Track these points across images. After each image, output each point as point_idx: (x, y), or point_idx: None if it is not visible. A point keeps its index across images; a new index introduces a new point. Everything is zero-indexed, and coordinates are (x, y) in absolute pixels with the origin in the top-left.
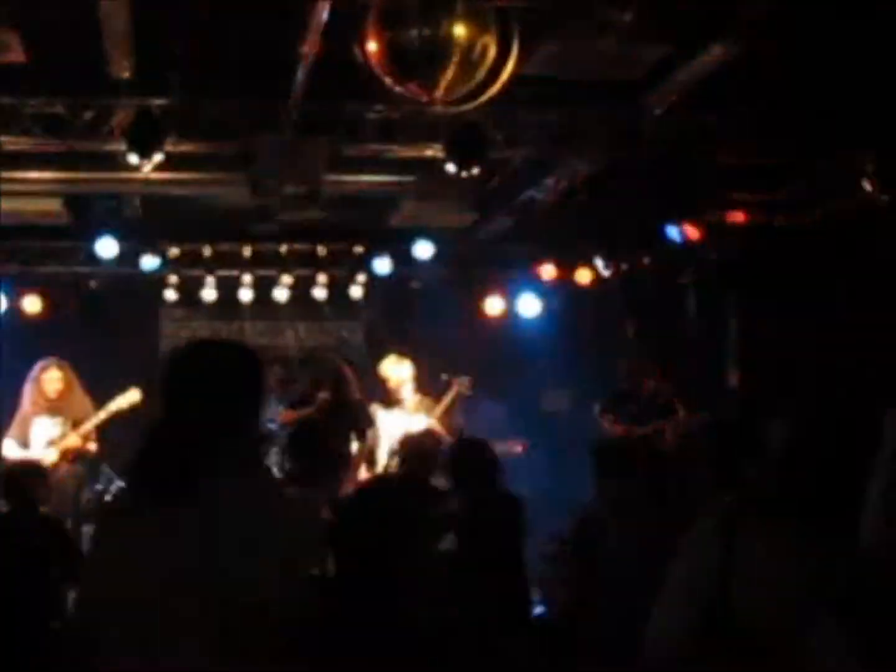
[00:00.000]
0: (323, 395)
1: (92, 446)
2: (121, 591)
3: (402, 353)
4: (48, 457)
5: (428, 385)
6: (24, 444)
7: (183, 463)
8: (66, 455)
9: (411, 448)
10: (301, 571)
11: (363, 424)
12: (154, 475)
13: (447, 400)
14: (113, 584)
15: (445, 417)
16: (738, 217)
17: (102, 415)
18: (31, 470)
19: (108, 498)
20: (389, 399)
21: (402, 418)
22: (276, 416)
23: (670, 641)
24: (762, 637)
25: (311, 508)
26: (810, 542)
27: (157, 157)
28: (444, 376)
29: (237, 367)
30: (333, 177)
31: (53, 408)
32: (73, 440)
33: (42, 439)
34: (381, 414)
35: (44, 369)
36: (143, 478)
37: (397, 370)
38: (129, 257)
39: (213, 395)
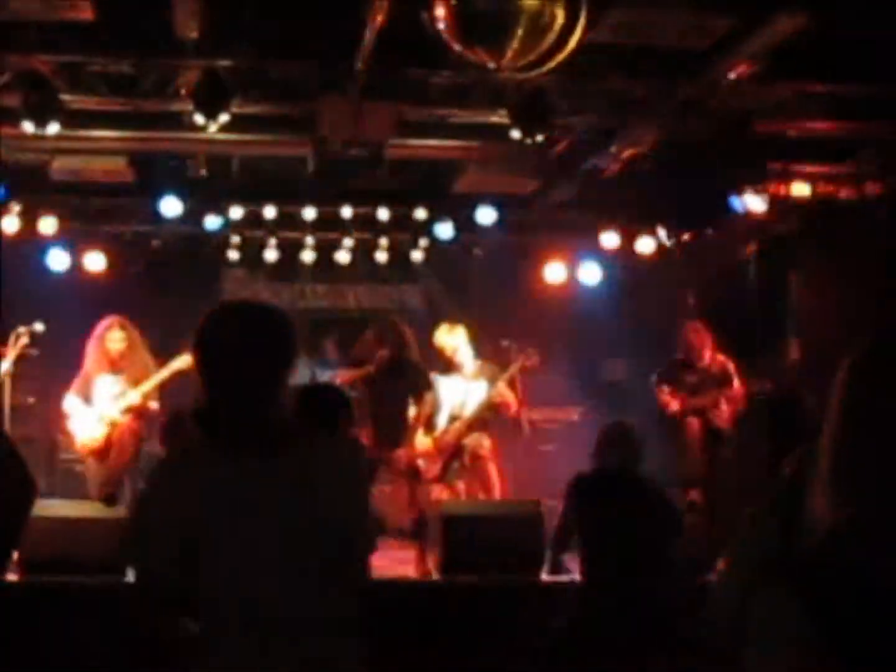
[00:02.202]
0: (382, 353)
1: (153, 405)
2: (230, 533)
3: (455, 322)
4: (109, 414)
5: (488, 352)
6: (87, 400)
7: (261, 417)
8: (127, 412)
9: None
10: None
11: (421, 387)
12: (243, 428)
13: (513, 370)
14: (221, 527)
15: (510, 387)
16: (802, 190)
17: (164, 374)
18: None
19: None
20: (446, 366)
21: (461, 384)
22: (334, 379)
23: (731, 603)
24: None
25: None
26: None
27: (223, 118)
28: (504, 343)
29: (289, 328)
30: (397, 141)
31: (115, 366)
32: (134, 398)
33: (104, 397)
34: (439, 380)
35: (107, 328)
36: (230, 432)
37: (450, 338)
38: (192, 217)
39: (273, 355)
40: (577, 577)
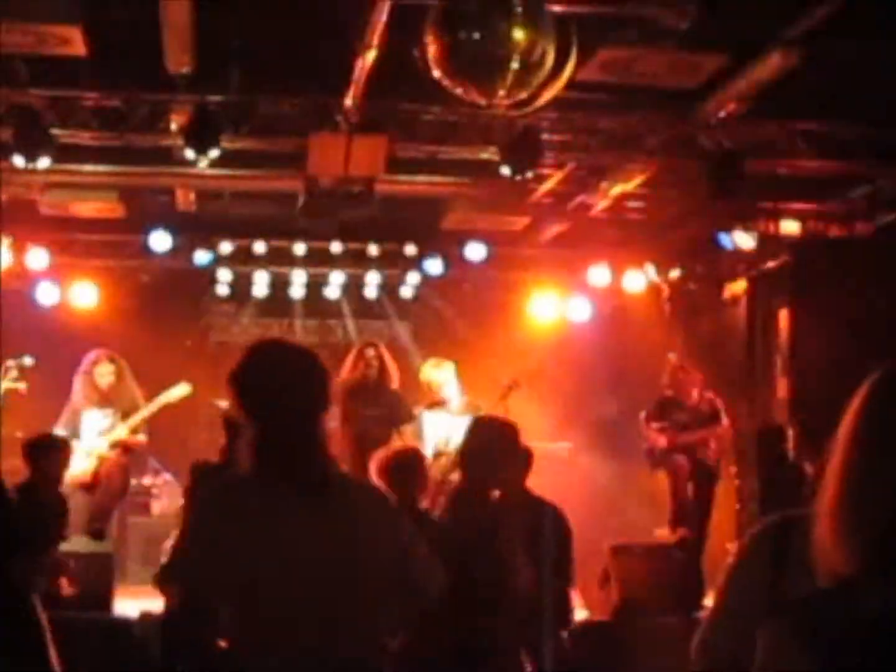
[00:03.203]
0: (363, 371)
1: (141, 438)
2: (272, 572)
3: (443, 357)
4: (97, 448)
5: (475, 387)
6: (74, 434)
7: (312, 457)
8: (115, 447)
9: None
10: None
11: (402, 418)
12: (294, 468)
13: (496, 400)
14: (264, 566)
15: None
16: (791, 227)
17: (152, 407)
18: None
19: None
20: (432, 402)
21: (447, 420)
22: None
23: (719, 652)
24: None
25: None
26: None
27: (214, 154)
28: (497, 380)
29: (326, 369)
30: (387, 177)
31: (104, 400)
32: (123, 432)
33: (92, 431)
34: (426, 415)
35: (95, 362)
36: (282, 470)
37: (437, 373)
38: (181, 252)
39: (317, 395)
40: None
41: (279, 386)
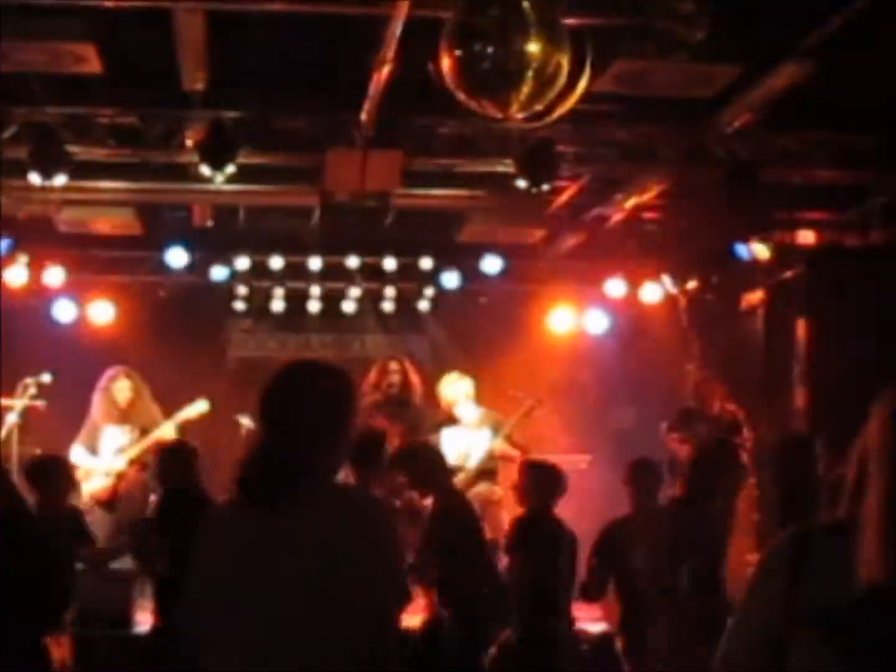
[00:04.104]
0: (383, 388)
1: None
2: (234, 593)
3: (461, 371)
4: (116, 465)
5: (494, 401)
6: (93, 451)
7: (291, 478)
8: (134, 463)
9: None
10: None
11: (425, 432)
12: (265, 489)
13: (516, 417)
14: (227, 587)
15: (514, 434)
16: (808, 237)
17: (171, 424)
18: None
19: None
20: (449, 417)
21: (464, 434)
22: None
23: (740, 666)
24: None
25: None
26: None
27: (229, 169)
28: (510, 392)
29: (345, 393)
30: (403, 191)
31: (123, 416)
32: (142, 449)
33: (111, 447)
34: (443, 432)
35: (113, 378)
36: (257, 490)
37: (455, 388)
38: (198, 268)
39: (322, 418)
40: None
41: (271, 404)
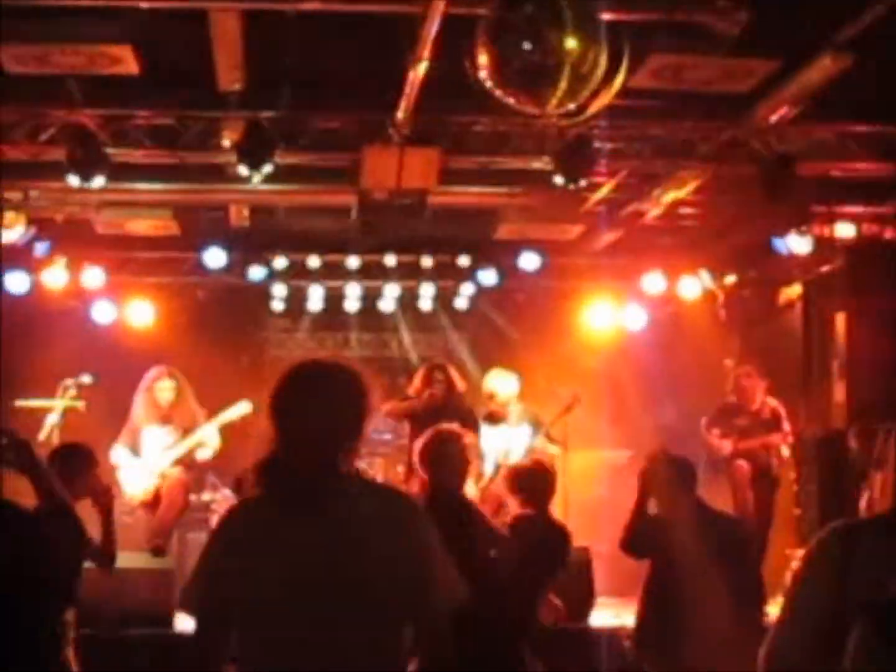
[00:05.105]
0: (431, 392)
1: (206, 455)
2: (275, 593)
3: (507, 366)
4: (160, 466)
5: (533, 398)
6: (135, 451)
7: (317, 477)
8: (176, 464)
9: None
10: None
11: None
12: (293, 488)
13: (556, 414)
14: (266, 587)
15: (553, 431)
16: (847, 231)
17: (213, 425)
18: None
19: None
20: (493, 413)
21: (505, 431)
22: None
23: (788, 660)
24: None
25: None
26: None
27: (267, 169)
28: (554, 390)
29: (360, 391)
30: (440, 189)
31: (165, 417)
32: (184, 449)
33: (153, 448)
34: (483, 427)
35: (156, 378)
36: (282, 489)
37: (504, 384)
38: (236, 268)
39: (341, 416)
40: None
41: (290, 403)
